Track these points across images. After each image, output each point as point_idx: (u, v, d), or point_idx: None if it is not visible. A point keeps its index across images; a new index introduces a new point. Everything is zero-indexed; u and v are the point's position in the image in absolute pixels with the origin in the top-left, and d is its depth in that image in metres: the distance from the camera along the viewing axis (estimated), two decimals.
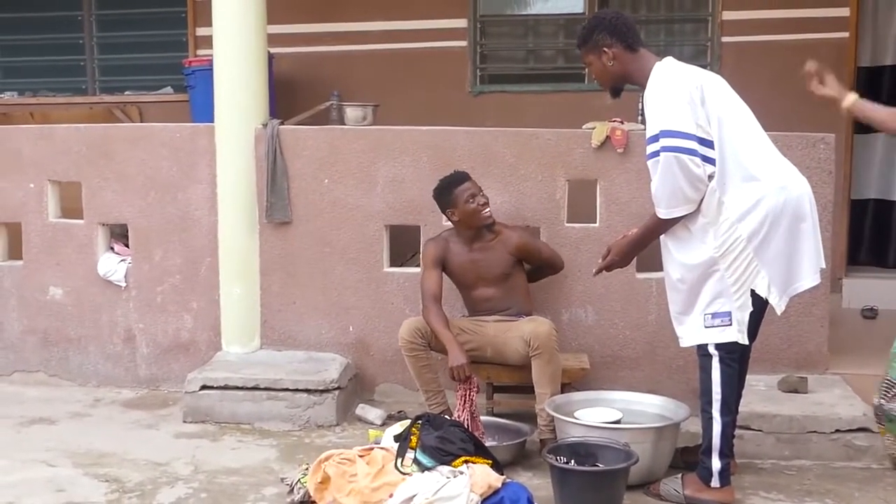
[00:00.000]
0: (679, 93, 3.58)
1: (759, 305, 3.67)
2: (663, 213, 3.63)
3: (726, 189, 3.56)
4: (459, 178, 4.70)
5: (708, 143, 3.55)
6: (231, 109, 5.21)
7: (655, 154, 3.58)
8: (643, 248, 3.95)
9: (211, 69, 5.34)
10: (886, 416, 2.89)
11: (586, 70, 6.86)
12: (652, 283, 4.97)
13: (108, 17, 7.46)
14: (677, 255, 3.71)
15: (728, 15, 6.63)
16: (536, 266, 4.89)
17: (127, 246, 5.54)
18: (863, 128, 6.59)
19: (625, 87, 3.90)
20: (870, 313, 6.20)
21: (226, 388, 4.88)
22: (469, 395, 4.36)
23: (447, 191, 4.69)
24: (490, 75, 7.15)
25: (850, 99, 3.53)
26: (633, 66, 3.76)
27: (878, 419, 2.96)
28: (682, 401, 4.27)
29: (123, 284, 5.46)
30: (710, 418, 3.69)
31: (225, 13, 5.17)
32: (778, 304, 3.64)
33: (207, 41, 5.56)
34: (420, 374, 4.58)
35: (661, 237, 3.78)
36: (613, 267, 4.00)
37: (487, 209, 4.65)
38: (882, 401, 3.29)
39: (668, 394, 4.45)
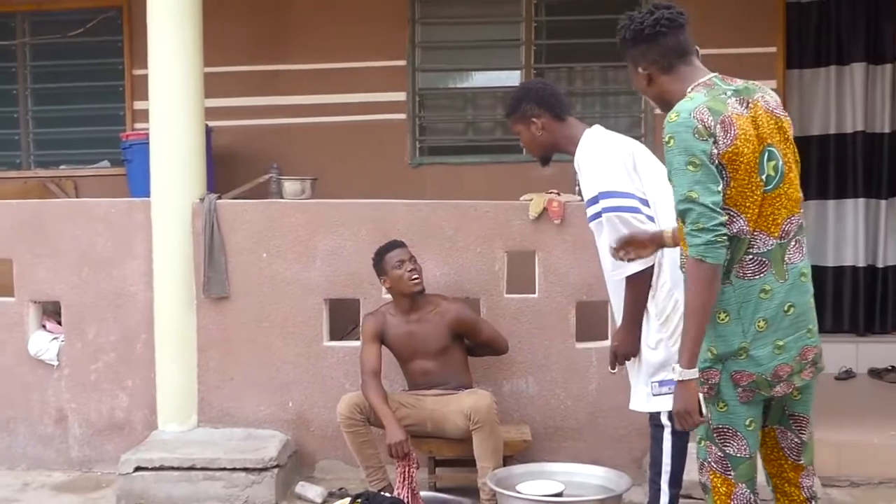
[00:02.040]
0: (613, 156, 3.61)
1: None
2: (630, 271, 3.54)
3: (664, 252, 3.53)
4: (391, 245, 4.72)
5: (646, 203, 3.54)
6: (168, 183, 5.18)
7: (597, 216, 3.57)
8: (637, 320, 3.67)
9: (148, 143, 5.30)
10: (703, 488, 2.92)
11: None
12: (592, 352, 4.99)
13: (43, 91, 7.39)
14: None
15: None
16: (477, 344, 4.85)
17: (59, 323, 5.43)
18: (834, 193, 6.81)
19: (553, 157, 3.92)
20: (844, 375, 6.41)
21: (161, 468, 4.75)
22: (409, 471, 4.30)
23: (379, 258, 4.71)
24: (429, 147, 7.21)
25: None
26: (562, 135, 3.79)
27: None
28: (624, 471, 4.26)
29: (56, 363, 5.34)
30: (659, 490, 3.66)
31: (162, 87, 5.16)
32: None
33: (145, 115, 5.53)
34: (360, 450, 4.52)
35: (613, 295, 3.74)
36: (627, 358, 3.77)
37: (416, 276, 4.63)
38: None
39: (611, 464, 4.44)
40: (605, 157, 3.61)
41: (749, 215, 2.74)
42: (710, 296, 2.71)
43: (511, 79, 7.10)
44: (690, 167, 2.68)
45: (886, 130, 6.87)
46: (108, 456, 5.28)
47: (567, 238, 5.00)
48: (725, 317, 2.77)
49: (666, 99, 2.92)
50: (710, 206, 2.66)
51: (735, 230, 2.74)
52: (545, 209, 5.02)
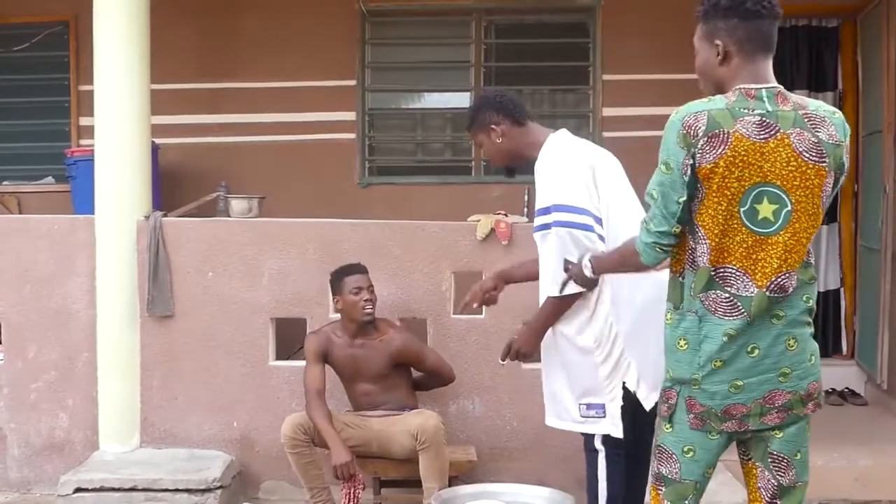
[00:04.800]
0: (574, 168, 3.51)
1: (632, 400, 3.53)
2: (555, 291, 3.49)
3: (605, 278, 3.43)
4: (353, 268, 4.69)
5: (600, 222, 3.46)
6: (112, 201, 5.12)
7: (545, 227, 3.48)
8: (545, 328, 3.68)
9: (93, 160, 5.24)
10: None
11: (473, 163, 7.02)
12: (538, 373, 4.98)
13: None
14: (564, 335, 3.61)
15: (608, 111, 6.88)
16: (421, 371, 4.84)
17: None
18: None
19: (517, 170, 3.87)
20: None
21: (102, 489, 4.68)
22: (354, 493, 4.28)
23: (338, 277, 4.68)
24: (378, 167, 7.22)
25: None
26: (524, 141, 3.71)
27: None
28: (570, 492, 4.26)
29: None
30: None
31: (108, 103, 5.11)
32: (645, 399, 3.51)
33: (91, 131, 5.48)
34: (304, 471, 4.49)
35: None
36: (523, 358, 3.85)
37: (370, 307, 4.61)
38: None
39: (556, 485, 4.44)
40: (564, 168, 3.52)
41: (714, 244, 2.63)
42: (628, 270, 3.01)
43: (461, 100, 7.16)
44: (664, 167, 2.63)
45: None
46: (47, 477, 5.18)
47: (514, 259, 4.99)
48: (684, 344, 2.72)
49: (719, 85, 2.72)
50: (665, 212, 2.63)
51: (698, 252, 2.66)
52: (493, 230, 5.04)
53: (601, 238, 3.45)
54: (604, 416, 3.53)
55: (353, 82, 6.99)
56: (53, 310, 5.23)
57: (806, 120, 2.61)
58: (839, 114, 2.70)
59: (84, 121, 6.95)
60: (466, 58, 7.09)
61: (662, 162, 2.64)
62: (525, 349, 3.74)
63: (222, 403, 5.17)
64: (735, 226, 2.61)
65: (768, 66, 2.69)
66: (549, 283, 3.53)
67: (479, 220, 5.10)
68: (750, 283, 2.62)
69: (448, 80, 7.29)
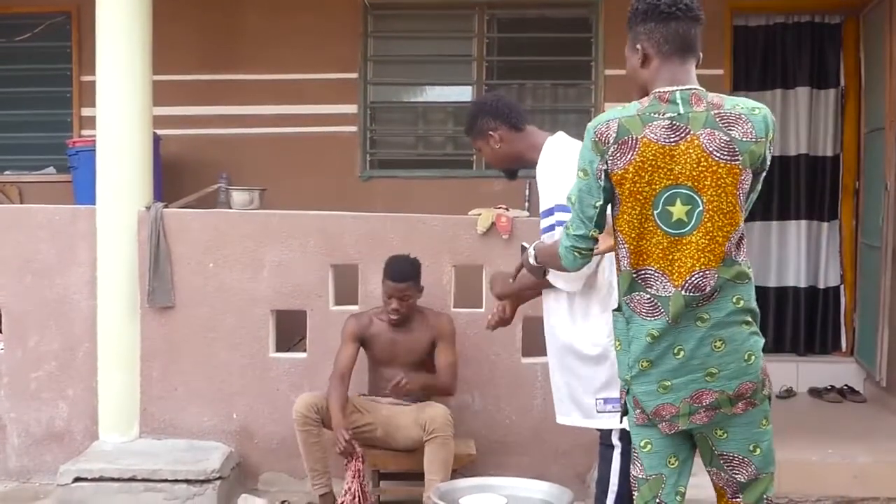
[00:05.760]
0: (572, 169, 3.53)
1: None
2: (556, 282, 3.53)
3: (615, 271, 3.52)
4: (393, 273, 4.68)
5: None
6: (114, 191, 5.12)
7: (550, 228, 3.52)
8: (524, 288, 3.74)
9: (95, 150, 5.24)
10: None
11: (474, 157, 7.02)
12: (538, 367, 5.01)
13: None
14: (574, 333, 3.62)
15: (609, 106, 6.86)
16: (435, 365, 4.80)
17: (0, 331, 5.34)
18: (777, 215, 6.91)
19: (519, 170, 3.88)
20: (785, 394, 6.52)
21: (101, 479, 4.69)
22: (356, 466, 4.33)
23: (384, 270, 4.71)
24: (380, 160, 7.21)
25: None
26: (523, 145, 3.72)
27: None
28: (568, 486, 4.26)
29: None
30: None
31: (110, 94, 5.11)
32: None
33: (92, 122, 5.47)
34: (308, 451, 4.52)
35: (559, 319, 3.68)
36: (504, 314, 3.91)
37: (395, 316, 4.65)
38: None
39: (555, 479, 4.44)
40: (564, 169, 3.48)
41: (632, 247, 2.69)
42: (557, 269, 3.14)
43: (462, 94, 7.16)
44: (581, 174, 2.72)
45: (829, 154, 7.01)
46: (46, 466, 5.19)
47: (514, 253, 4.98)
48: (619, 345, 2.79)
49: (643, 89, 2.78)
50: (583, 217, 2.73)
51: (619, 256, 2.74)
52: (493, 224, 5.05)
53: None
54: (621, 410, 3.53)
55: (355, 75, 6.98)
56: (54, 300, 5.24)
57: (718, 119, 2.64)
58: (762, 110, 2.70)
59: (86, 111, 6.94)
60: (468, 52, 7.08)
61: (580, 168, 2.73)
62: (495, 286, 3.85)
63: (222, 395, 5.17)
64: (650, 228, 2.66)
65: (688, 67, 2.73)
66: (551, 275, 3.53)
67: (479, 214, 5.10)
68: (668, 283, 2.66)
69: (450, 74, 7.29)
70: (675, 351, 2.68)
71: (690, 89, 2.69)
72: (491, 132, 3.74)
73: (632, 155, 2.62)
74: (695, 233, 2.64)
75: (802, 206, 7.05)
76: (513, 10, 7.18)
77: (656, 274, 2.67)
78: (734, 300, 2.69)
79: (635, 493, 2.89)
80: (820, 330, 7.12)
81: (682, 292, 2.64)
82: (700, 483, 3.72)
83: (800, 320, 7.09)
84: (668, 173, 2.62)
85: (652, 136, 2.62)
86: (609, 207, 2.76)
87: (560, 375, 3.71)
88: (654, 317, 2.68)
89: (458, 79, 7.20)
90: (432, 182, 6.98)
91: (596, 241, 2.76)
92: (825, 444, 5.26)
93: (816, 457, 5.11)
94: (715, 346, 2.68)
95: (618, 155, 2.64)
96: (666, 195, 2.64)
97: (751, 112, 2.68)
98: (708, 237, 2.64)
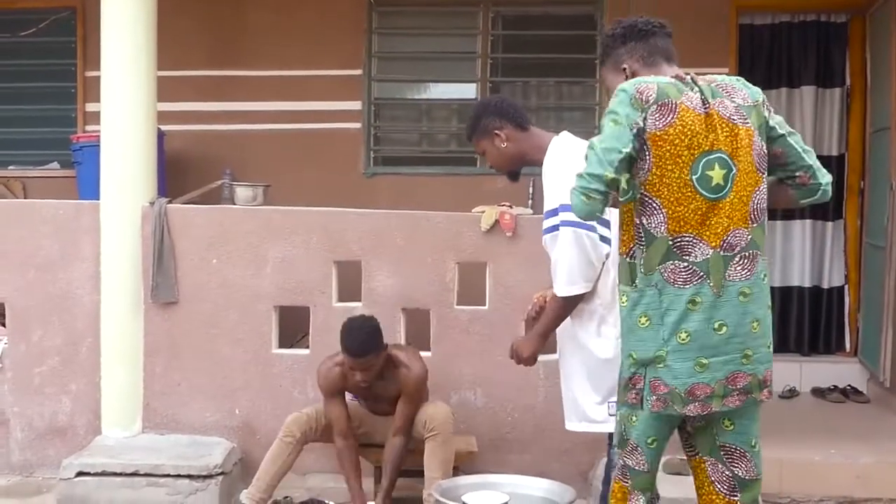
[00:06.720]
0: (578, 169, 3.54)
1: None
2: (563, 290, 3.49)
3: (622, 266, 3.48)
4: (353, 347, 4.36)
5: (605, 223, 3.46)
6: (117, 187, 5.13)
7: (554, 228, 3.48)
8: (548, 336, 3.68)
9: (99, 145, 5.24)
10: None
11: (478, 155, 6.99)
12: (539, 366, 4.96)
13: None
14: (582, 340, 3.61)
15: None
16: (400, 403, 4.58)
17: (3, 325, 5.34)
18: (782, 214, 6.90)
19: (521, 171, 3.85)
20: (788, 394, 6.53)
21: (103, 474, 4.70)
22: None
23: (341, 342, 4.42)
24: (383, 157, 7.21)
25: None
26: (528, 144, 3.70)
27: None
28: (570, 484, 4.27)
29: None
30: None
31: (114, 89, 5.12)
32: None
33: (97, 117, 5.48)
34: (272, 461, 4.52)
35: (577, 325, 3.62)
36: (523, 363, 3.75)
37: (365, 384, 4.43)
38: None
39: (557, 477, 4.44)
40: (570, 170, 3.36)
41: (671, 213, 2.70)
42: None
43: (467, 91, 7.16)
44: (612, 122, 2.73)
45: (834, 153, 6.99)
46: (49, 461, 5.20)
47: (518, 251, 5.02)
48: (646, 321, 2.75)
49: None
50: (603, 158, 2.70)
51: (653, 224, 2.72)
52: (497, 221, 5.04)
53: (604, 240, 3.47)
54: None
55: (359, 72, 6.98)
56: (58, 295, 5.24)
57: (720, 90, 2.80)
58: (742, 79, 2.90)
59: (90, 107, 6.95)
60: (473, 49, 7.08)
61: (611, 119, 2.74)
62: (522, 351, 3.70)
63: (225, 390, 5.18)
64: (688, 193, 2.71)
65: (673, 72, 2.91)
66: (557, 283, 3.52)
67: (483, 212, 5.10)
68: (706, 247, 2.71)
69: (454, 70, 7.28)
70: (717, 326, 2.71)
71: (688, 73, 2.86)
72: (497, 131, 3.72)
73: (672, 118, 2.69)
74: (730, 195, 2.73)
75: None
76: (517, 7, 7.17)
77: (693, 240, 2.72)
78: (763, 277, 2.79)
79: (627, 483, 2.90)
80: (824, 330, 7.11)
81: (721, 252, 2.71)
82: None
83: (803, 320, 7.08)
84: (705, 139, 2.70)
85: (688, 103, 2.72)
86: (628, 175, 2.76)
87: (569, 383, 3.69)
88: (692, 283, 2.71)
89: (463, 76, 7.20)
90: (436, 179, 6.97)
91: (608, 188, 2.73)
92: (828, 444, 5.26)
93: (819, 457, 5.10)
94: (753, 326, 2.76)
95: (658, 115, 2.69)
96: (704, 160, 2.71)
97: (737, 82, 2.87)
98: (738, 197, 2.74)
